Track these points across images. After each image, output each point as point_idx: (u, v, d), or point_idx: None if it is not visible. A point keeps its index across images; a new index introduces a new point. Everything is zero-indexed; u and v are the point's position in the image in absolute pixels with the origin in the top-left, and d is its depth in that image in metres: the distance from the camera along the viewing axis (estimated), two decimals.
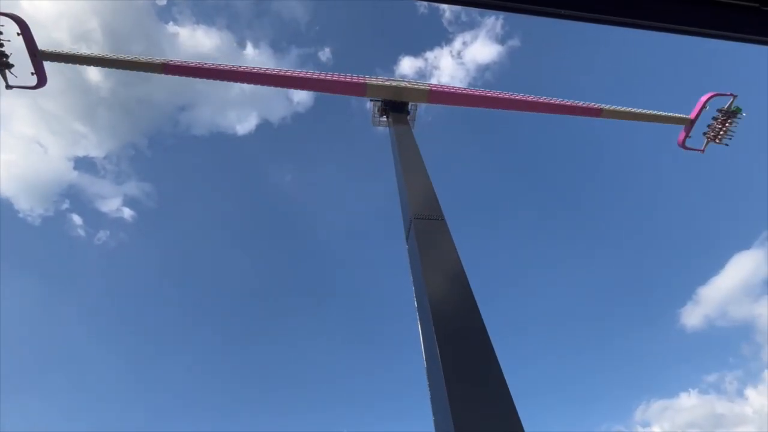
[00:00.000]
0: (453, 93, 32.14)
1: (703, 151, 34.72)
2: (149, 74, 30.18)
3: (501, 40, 74.39)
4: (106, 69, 31.63)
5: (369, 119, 32.09)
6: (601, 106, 33.09)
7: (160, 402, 62.52)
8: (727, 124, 33.04)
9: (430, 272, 14.63)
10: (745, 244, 64.70)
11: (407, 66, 70.88)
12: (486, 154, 74.86)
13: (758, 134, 50.69)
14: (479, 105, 32.82)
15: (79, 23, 62.44)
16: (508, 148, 75.01)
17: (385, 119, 30.62)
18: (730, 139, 33.21)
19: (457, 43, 73.77)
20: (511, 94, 32.29)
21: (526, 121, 74.17)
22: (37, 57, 28.06)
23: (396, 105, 30.24)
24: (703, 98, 33.17)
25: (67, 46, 59.27)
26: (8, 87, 28.66)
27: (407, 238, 17.10)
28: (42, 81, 28.79)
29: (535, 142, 74.65)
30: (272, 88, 31.36)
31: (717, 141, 33.65)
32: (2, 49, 27.52)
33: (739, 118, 32.76)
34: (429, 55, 74.12)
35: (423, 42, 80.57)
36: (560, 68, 73.03)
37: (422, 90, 30.79)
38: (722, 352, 63.86)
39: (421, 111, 31.62)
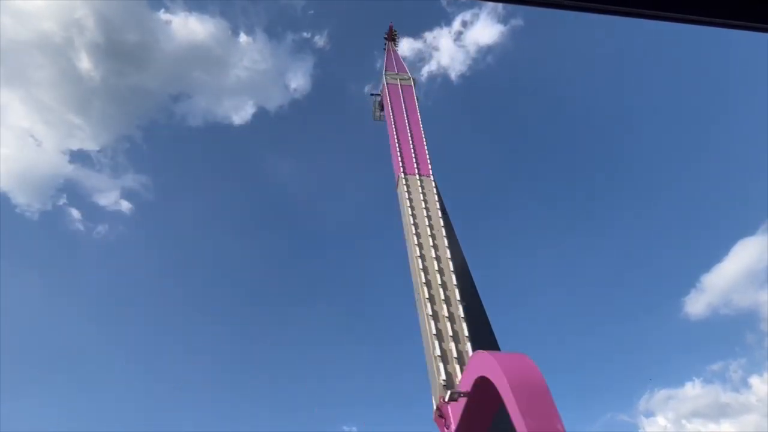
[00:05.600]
0: None
1: None
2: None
3: (503, 19, 73.40)
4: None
5: (369, 109, 32.00)
6: None
7: (161, 399, 62.92)
8: None
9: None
10: (749, 231, 64.85)
11: (406, 47, 69.87)
12: (483, 138, 74.63)
13: (762, 118, 50.56)
14: None
15: (69, 11, 61.25)
16: (508, 134, 74.71)
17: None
18: None
19: (457, 23, 72.80)
20: None
21: (527, 108, 73.80)
22: None
23: None
24: None
25: (58, 35, 58.21)
26: None
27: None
28: None
29: (535, 129, 74.37)
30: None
31: None
32: None
33: None
34: (428, 35, 73.20)
35: (422, 22, 79.09)
36: (564, 50, 72.50)
37: None
38: (727, 341, 64.29)
39: (421, 99, 31.50)
